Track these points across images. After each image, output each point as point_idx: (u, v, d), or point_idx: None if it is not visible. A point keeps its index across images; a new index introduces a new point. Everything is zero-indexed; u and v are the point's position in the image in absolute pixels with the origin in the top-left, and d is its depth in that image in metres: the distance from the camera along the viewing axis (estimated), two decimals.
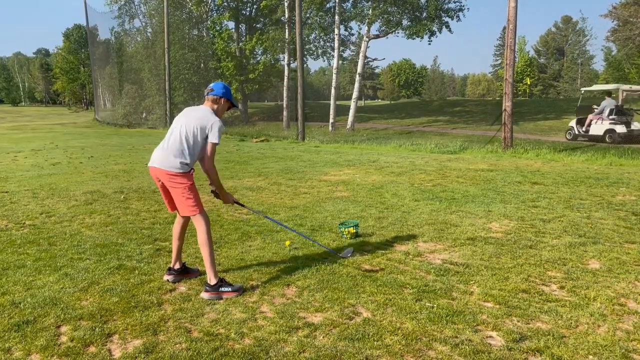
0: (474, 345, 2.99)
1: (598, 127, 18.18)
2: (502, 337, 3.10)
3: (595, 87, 22.71)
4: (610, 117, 17.89)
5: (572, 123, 19.44)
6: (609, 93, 19.39)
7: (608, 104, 18.38)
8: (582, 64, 73.56)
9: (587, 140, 18.27)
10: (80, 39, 73.03)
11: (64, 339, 3.09)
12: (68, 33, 75.80)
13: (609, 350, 2.94)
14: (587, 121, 18.72)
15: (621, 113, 17.96)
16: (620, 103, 18.67)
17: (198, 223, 3.83)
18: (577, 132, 18.95)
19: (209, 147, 3.85)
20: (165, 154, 3.88)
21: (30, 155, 13.94)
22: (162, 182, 3.93)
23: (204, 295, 3.72)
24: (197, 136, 3.84)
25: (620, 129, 17.33)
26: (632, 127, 17.60)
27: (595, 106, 19.12)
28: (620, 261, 4.50)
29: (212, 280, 3.76)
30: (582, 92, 22.52)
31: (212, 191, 4.10)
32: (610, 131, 17.65)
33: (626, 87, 20.01)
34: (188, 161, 3.83)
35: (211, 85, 4.03)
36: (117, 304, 3.58)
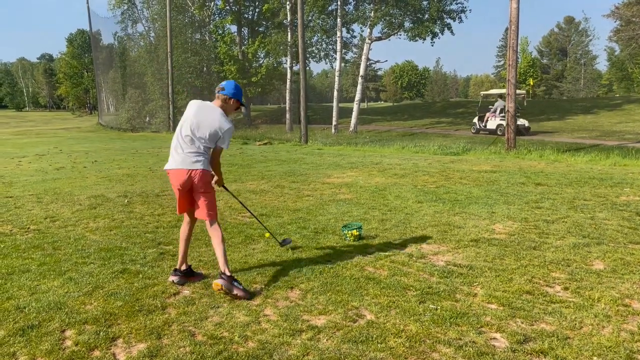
0: (478, 347, 2.99)
1: (492, 123, 23.10)
2: (506, 339, 3.10)
3: (490, 92, 27.67)
4: (501, 114, 22.59)
5: (475, 120, 24.45)
6: (500, 95, 24.64)
7: (499, 104, 23.26)
8: (585, 64, 73.40)
9: (486, 133, 23.03)
10: (83, 44, 73.31)
11: (68, 343, 3.10)
12: (71, 38, 76.11)
13: (614, 352, 2.93)
14: (485, 118, 23.73)
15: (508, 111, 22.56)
16: (506, 103, 23.28)
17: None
18: (478, 127, 23.88)
19: (218, 151, 4.03)
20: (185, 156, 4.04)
21: (34, 160, 14.00)
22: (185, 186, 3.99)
23: (219, 281, 3.74)
24: (210, 140, 3.96)
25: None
26: (518, 123, 21.22)
27: (490, 106, 24.30)
28: (624, 262, 4.49)
29: (228, 272, 3.82)
30: (482, 95, 28.18)
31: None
32: (500, 125, 22.30)
33: None
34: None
35: (223, 83, 4.03)
36: (121, 307, 3.59)
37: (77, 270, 4.42)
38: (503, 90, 25.10)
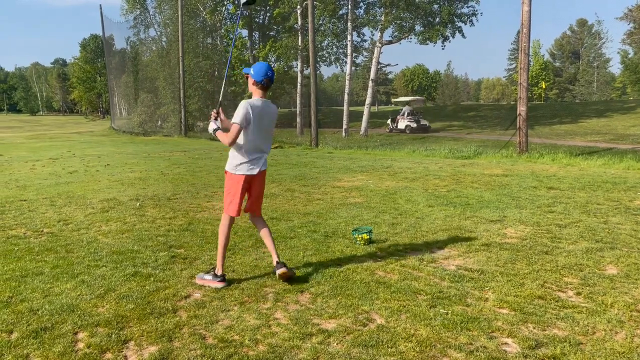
0: (489, 352, 2.97)
1: (402, 124, 31.22)
2: (517, 344, 3.08)
3: (399, 99, 37.57)
4: (408, 117, 31.25)
5: (389, 121, 32.97)
6: (407, 102, 34.15)
7: (406, 109, 32.39)
8: (598, 67, 72.79)
9: (398, 132, 30.82)
10: (96, 48, 74.17)
11: (80, 345, 3.13)
12: (85, 43, 77.04)
13: (627, 358, 2.90)
14: (396, 120, 31.81)
15: (413, 114, 31.93)
16: (412, 108, 33.07)
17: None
18: (392, 127, 32.03)
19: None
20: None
21: (48, 164, 14.15)
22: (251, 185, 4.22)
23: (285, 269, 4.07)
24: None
25: (413, 124, 30.90)
26: (421, 123, 31.02)
27: (401, 109, 33.07)
28: (638, 267, 4.44)
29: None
30: (393, 102, 38.04)
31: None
32: (407, 126, 30.77)
33: (414, 99, 36.69)
34: None
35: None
36: (133, 310, 3.61)
37: (89, 273, 4.46)
38: (408, 98, 35.54)
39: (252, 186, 4.23)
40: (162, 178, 10.69)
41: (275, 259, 4.21)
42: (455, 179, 9.83)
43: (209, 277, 4.16)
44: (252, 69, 4.14)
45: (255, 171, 4.14)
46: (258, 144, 4.12)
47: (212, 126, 4.17)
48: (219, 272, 4.15)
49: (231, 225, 4.24)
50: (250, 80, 4.14)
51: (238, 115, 3.99)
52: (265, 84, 4.11)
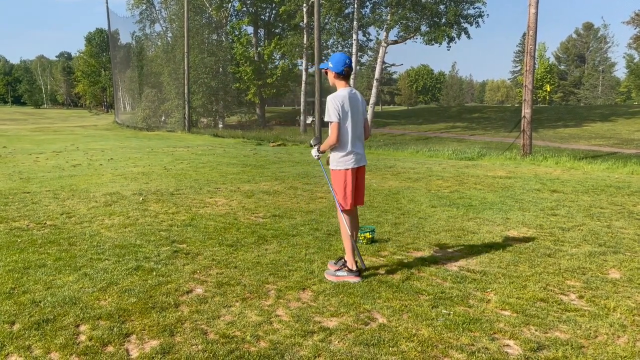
0: (491, 354, 2.96)
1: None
2: (519, 346, 3.07)
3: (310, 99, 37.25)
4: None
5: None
6: None
7: None
8: (603, 71, 72.55)
9: None
10: (101, 42, 74.22)
11: (82, 338, 3.13)
12: (90, 37, 77.04)
13: None
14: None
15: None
16: None
17: None
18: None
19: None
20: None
21: (51, 157, 14.18)
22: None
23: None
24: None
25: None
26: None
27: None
28: None
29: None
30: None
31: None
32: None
33: None
34: None
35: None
36: (135, 304, 3.62)
37: (92, 266, 4.47)
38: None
39: (357, 178, 4.27)
40: (165, 173, 10.70)
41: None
42: (459, 180, 9.82)
43: (342, 273, 4.17)
44: (329, 62, 4.17)
45: (358, 164, 4.20)
46: (354, 134, 4.15)
47: (314, 152, 4.31)
48: (353, 267, 4.17)
49: (349, 217, 4.28)
50: (331, 74, 4.16)
51: (330, 113, 4.04)
52: (346, 73, 4.15)
